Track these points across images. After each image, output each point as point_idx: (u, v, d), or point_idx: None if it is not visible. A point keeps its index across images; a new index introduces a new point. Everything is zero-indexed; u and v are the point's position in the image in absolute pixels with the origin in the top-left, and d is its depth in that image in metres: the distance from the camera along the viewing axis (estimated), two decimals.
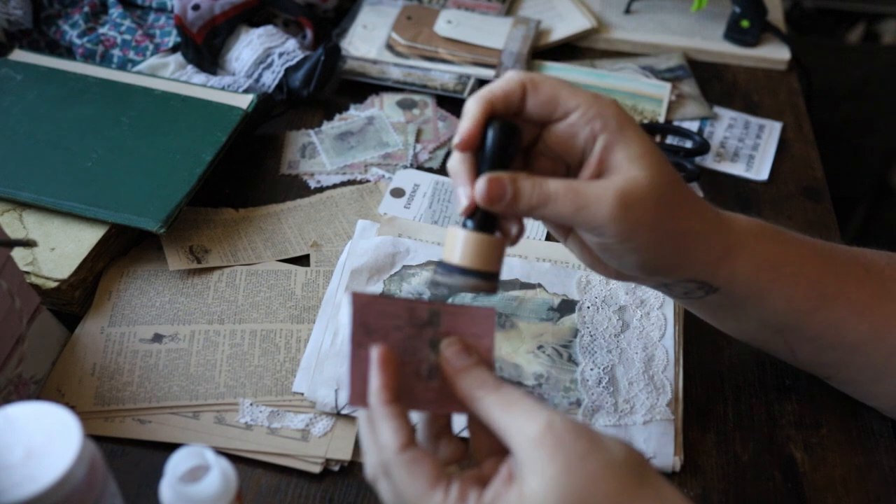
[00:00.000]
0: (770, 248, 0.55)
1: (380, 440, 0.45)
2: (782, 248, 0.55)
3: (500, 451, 0.46)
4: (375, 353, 0.46)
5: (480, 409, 0.45)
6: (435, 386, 0.47)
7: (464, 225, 0.50)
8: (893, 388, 0.59)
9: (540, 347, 0.66)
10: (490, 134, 0.49)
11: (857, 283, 0.56)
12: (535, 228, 0.78)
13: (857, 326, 0.56)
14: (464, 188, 0.49)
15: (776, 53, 1.02)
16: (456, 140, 0.49)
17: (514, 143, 0.50)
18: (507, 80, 0.50)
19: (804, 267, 0.55)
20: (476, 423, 0.47)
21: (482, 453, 0.47)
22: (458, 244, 0.49)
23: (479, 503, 0.43)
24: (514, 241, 0.51)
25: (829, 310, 0.56)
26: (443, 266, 0.50)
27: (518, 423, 0.43)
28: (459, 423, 0.55)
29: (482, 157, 0.49)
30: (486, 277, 0.49)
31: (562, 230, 0.56)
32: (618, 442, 0.43)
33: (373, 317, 0.47)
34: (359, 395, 0.46)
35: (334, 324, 0.67)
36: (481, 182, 0.48)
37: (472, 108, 0.49)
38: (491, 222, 0.50)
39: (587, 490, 0.41)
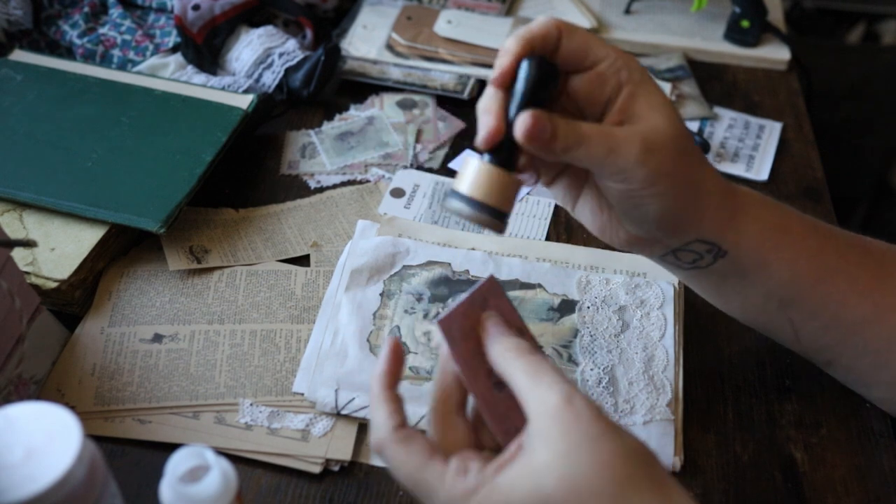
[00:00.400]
0: (774, 215, 0.56)
1: (374, 423, 0.47)
2: (785, 218, 0.57)
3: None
4: (387, 342, 0.48)
5: (507, 370, 0.45)
6: (502, 397, 0.47)
7: (482, 157, 0.49)
8: (892, 375, 0.59)
9: (540, 348, 0.66)
10: (527, 71, 0.49)
11: (858, 261, 0.57)
12: (535, 228, 0.78)
13: (859, 305, 0.56)
14: (490, 119, 0.49)
15: (776, 53, 1.02)
16: (493, 74, 0.50)
17: (552, 83, 0.50)
18: (545, 22, 0.51)
19: (806, 239, 0.56)
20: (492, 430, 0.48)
21: (485, 442, 0.48)
22: (474, 175, 0.49)
23: (481, 472, 0.43)
24: (533, 181, 0.53)
25: (831, 283, 0.56)
26: (455, 194, 0.49)
27: (539, 391, 0.43)
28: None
29: (515, 95, 0.49)
30: (498, 215, 0.49)
31: (571, 193, 0.57)
32: (633, 435, 0.43)
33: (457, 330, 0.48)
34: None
35: (334, 324, 0.67)
36: (525, 116, 0.48)
37: (512, 44, 0.50)
38: (511, 159, 0.49)
39: (595, 471, 0.41)
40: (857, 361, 0.60)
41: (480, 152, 0.50)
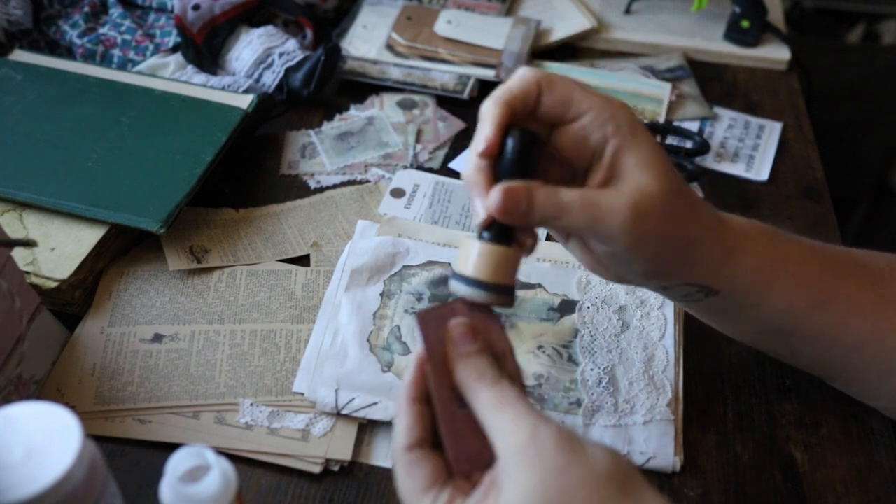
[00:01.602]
0: (769, 248, 0.55)
1: (394, 432, 0.47)
2: (781, 249, 0.55)
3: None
4: (415, 352, 0.48)
5: (473, 401, 0.45)
6: (462, 415, 0.46)
7: (480, 236, 0.49)
8: (895, 388, 0.59)
9: (540, 347, 0.66)
10: (510, 143, 0.48)
11: (857, 283, 0.56)
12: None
13: (858, 327, 0.56)
14: (481, 200, 0.48)
15: (776, 53, 1.02)
16: (479, 148, 0.48)
17: (535, 152, 0.49)
18: (524, 79, 0.49)
19: (803, 267, 0.55)
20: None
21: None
22: (474, 256, 0.48)
23: None
24: (530, 251, 0.51)
25: (829, 310, 0.56)
26: (458, 277, 0.49)
27: (505, 427, 0.43)
28: None
29: (500, 167, 0.49)
30: (502, 291, 0.49)
31: (563, 234, 0.56)
32: (604, 452, 0.42)
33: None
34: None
35: (334, 324, 0.67)
36: (495, 193, 0.47)
37: (492, 111, 0.48)
38: (507, 233, 0.49)
39: (563, 502, 0.41)
40: (858, 377, 0.60)
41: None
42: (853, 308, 0.56)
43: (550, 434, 0.42)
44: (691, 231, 0.51)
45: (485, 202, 0.48)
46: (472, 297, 0.48)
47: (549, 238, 0.77)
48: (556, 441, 0.42)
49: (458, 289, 0.49)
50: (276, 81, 0.88)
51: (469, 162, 0.49)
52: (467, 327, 0.47)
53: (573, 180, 0.52)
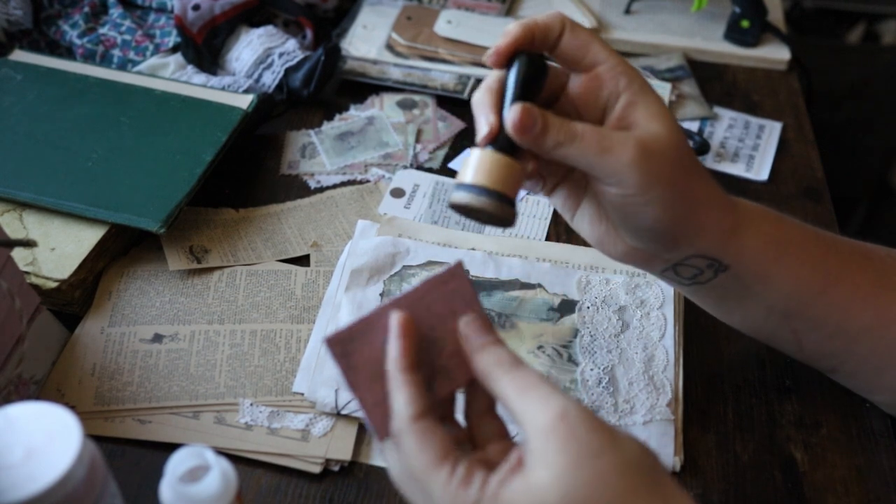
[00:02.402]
0: (775, 227, 0.56)
1: (394, 407, 0.44)
2: (786, 231, 0.56)
3: (502, 434, 0.46)
4: (395, 318, 0.45)
5: (496, 388, 0.44)
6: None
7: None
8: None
9: (540, 347, 0.66)
10: (518, 66, 0.49)
11: (860, 269, 0.57)
12: (535, 228, 0.78)
13: (862, 313, 0.56)
14: (487, 116, 0.50)
15: (776, 53, 1.02)
16: (488, 54, 0.50)
17: (541, 78, 0.50)
18: (550, 14, 0.51)
19: (808, 249, 0.56)
20: (477, 407, 0.47)
21: (485, 437, 0.47)
22: (481, 163, 0.48)
23: (484, 486, 0.42)
24: (531, 175, 0.51)
25: (834, 293, 0.56)
26: (463, 186, 0.48)
27: (532, 409, 0.42)
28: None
29: (507, 90, 0.50)
30: (504, 200, 0.48)
31: (571, 202, 0.56)
32: (633, 441, 0.42)
33: (350, 344, 0.45)
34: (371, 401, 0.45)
35: (334, 324, 0.67)
36: (515, 108, 0.48)
37: (513, 29, 0.50)
38: (511, 148, 0.49)
39: (595, 488, 0.40)
40: (860, 367, 0.60)
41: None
42: (856, 294, 0.56)
43: (581, 415, 0.41)
44: (699, 190, 0.52)
45: (490, 118, 0.49)
46: (471, 202, 0.48)
47: (549, 238, 0.77)
48: (589, 423, 0.41)
49: (459, 197, 0.48)
50: (276, 81, 0.88)
51: (481, 85, 0.51)
52: (478, 321, 0.47)
53: None
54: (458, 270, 0.47)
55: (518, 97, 0.49)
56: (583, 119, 0.52)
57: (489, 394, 0.46)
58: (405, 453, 0.44)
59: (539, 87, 0.50)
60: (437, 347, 0.47)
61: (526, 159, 0.50)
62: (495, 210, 0.48)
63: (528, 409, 0.42)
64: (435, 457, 0.43)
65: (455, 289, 0.47)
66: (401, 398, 0.44)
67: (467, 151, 0.50)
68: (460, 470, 0.42)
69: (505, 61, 0.50)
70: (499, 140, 0.49)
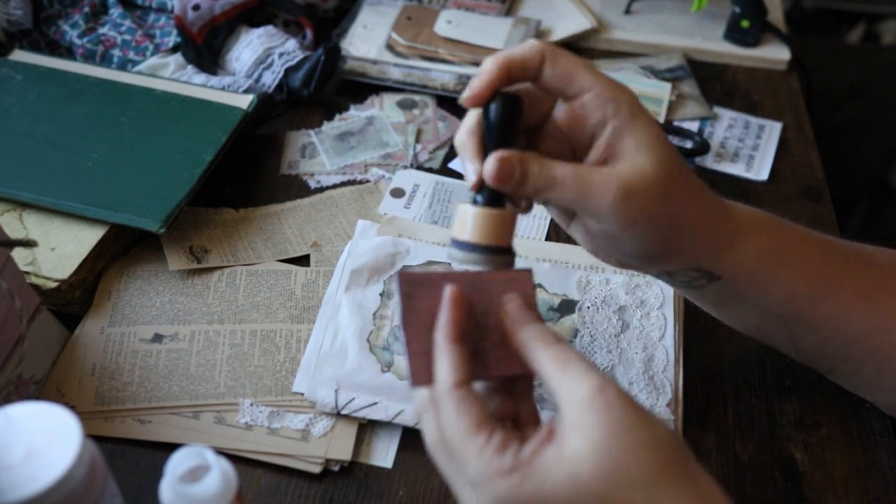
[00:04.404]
0: (772, 236, 0.55)
1: (437, 374, 0.45)
2: (784, 237, 0.56)
3: (537, 421, 0.48)
4: (448, 290, 0.46)
5: (535, 361, 0.45)
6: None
7: (474, 201, 0.50)
8: (894, 381, 0.59)
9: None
10: (495, 109, 0.49)
11: (859, 273, 0.57)
12: (535, 228, 0.78)
13: (860, 317, 0.56)
14: (471, 164, 0.50)
15: (776, 53, 1.02)
16: (465, 94, 0.49)
17: (517, 116, 0.50)
18: (528, 46, 0.50)
19: (806, 256, 0.56)
20: (516, 391, 0.48)
21: (527, 419, 0.48)
22: (469, 221, 0.49)
23: (517, 456, 0.43)
24: (525, 211, 0.52)
25: (832, 299, 0.56)
26: (456, 243, 0.50)
27: (569, 382, 0.43)
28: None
29: (487, 132, 0.50)
30: (501, 252, 0.49)
31: (565, 215, 0.56)
32: (663, 424, 0.43)
33: (417, 285, 0.47)
34: (418, 352, 0.46)
35: (334, 324, 0.67)
36: (491, 161, 0.48)
37: (489, 66, 0.49)
38: (500, 197, 0.50)
39: (628, 461, 0.41)
40: (858, 369, 0.60)
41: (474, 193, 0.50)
42: (855, 299, 0.56)
43: (617, 391, 0.42)
44: (690, 214, 0.52)
45: (475, 165, 0.49)
46: (471, 260, 0.49)
47: (549, 238, 0.77)
48: (625, 399, 0.42)
49: (455, 255, 0.49)
50: (276, 81, 0.88)
51: (461, 126, 0.51)
52: (522, 300, 0.48)
53: (572, 158, 0.52)
54: (527, 275, 0.49)
55: (495, 141, 0.49)
56: (571, 143, 0.52)
57: (528, 381, 0.48)
58: (443, 419, 0.45)
59: (515, 125, 0.50)
60: (486, 333, 0.48)
61: (519, 199, 0.51)
62: (495, 265, 0.49)
63: (566, 382, 0.43)
64: (472, 424, 0.43)
65: (518, 289, 0.49)
66: (444, 365, 0.45)
67: (459, 208, 0.50)
68: (496, 439, 0.43)
69: (483, 103, 0.49)
70: (485, 188, 0.49)
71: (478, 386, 0.47)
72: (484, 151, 0.50)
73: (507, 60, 0.49)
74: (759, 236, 0.54)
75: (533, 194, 0.49)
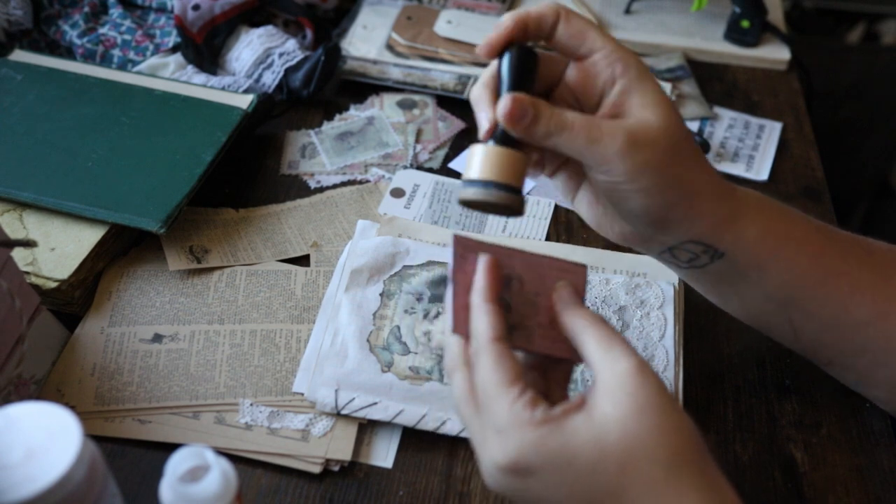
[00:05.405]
0: (775, 217, 0.56)
1: (475, 330, 0.47)
2: (786, 220, 0.56)
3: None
4: (484, 259, 0.48)
5: (580, 337, 0.46)
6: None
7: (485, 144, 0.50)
8: (892, 375, 0.59)
9: None
10: (509, 58, 0.50)
11: (859, 262, 0.57)
12: (535, 228, 0.78)
13: (860, 305, 0.56)
14: (485, 112, 0.51)
15: (776, 53, 1.02)
16: (481, 45, 0.51)
17: (533, 68, 0.50)
18: (544, 5, 0.51)
19: (808, 240, 0.56)
20: (553, 377, 0.49)
21: (556, 403, 0.48)
22: (479, 158, 0.49)
23: (546, 413, 0.44)
24: (536, 165, 0.53)
25: (833, 286, 0.56)
26: (465, 182, 0.50)
27: (611, 357, 0.44)
28: None
29: (502, 83, 0.50)
30: (511, 190, 0.49)
31: (571, 182, 0.57)
32: (691, 420, 0.44)
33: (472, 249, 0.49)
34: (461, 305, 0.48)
35: (334, 324, 0.67)
36: (504, 100, 0.49)
37: (506, 21, 0.50)
38: (512, 140, 0.50)
39: (655, 439, 0.42)
40: (856, 360, 0.60)
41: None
42: (855, 287, 0.56)
43: (655, 375, 0.44)
44: (693, 177, 0.53)
45: (489, 114, 0.50)
46: (481, 196, 0.49)
47: (549, 238, 0.77)
48: (660, 384, 0.44)
49: (465, 193, 0.50)
50: (276, 81, 0.88)
51: (477, 81, 0.52)
52: (572, 288, 0.49)
53: None
54: (582, 270, 0.50)
55: (510, 88, 0.50)
56: (581, 106, 0.53)
57: (566, 370, 0.50)
58: (479, 371, 0.46)
59: (531, 77, 0.51)
60: (535, 311, 0.49)
61: (530, 149, 0.51)
62: (505, 201, 0.49)
63: (608, 357, 0.45)
64: (507, 376, 0.45)
65: (571, 280, 0.50)
66: (482, 322, 0.46)
67: (469, 149, 0.50)
68: (528, 394, 0.45)
69: (497, 53, 0.51)
70: (498, 133, 0.50)
71: (518, 355, 0.48)
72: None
73: (524, 15, 0.51)
74: (761, 216, 0.55)
75: (544, 137, 0.50)
